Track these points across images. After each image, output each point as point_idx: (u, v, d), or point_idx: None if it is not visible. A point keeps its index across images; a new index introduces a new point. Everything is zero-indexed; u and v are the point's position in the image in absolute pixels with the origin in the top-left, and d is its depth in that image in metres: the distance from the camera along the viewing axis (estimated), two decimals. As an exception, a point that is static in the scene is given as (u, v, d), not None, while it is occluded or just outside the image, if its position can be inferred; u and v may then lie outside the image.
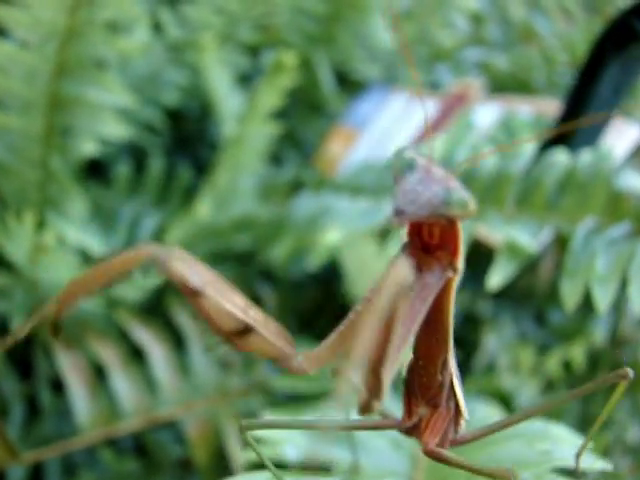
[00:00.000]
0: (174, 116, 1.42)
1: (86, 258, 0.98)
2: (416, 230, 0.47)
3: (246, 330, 0.46)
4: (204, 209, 0.92)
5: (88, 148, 0.91)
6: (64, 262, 0.86)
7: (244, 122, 0.92)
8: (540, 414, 0.62)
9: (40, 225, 0.84)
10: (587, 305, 1.46)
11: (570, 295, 0.67)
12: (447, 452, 0.54)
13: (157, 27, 1.38)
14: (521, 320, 1.32)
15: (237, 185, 1.03)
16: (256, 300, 1.37)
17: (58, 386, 1.07)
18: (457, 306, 1.30)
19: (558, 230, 0.70)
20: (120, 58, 1.11)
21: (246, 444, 0.53)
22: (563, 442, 0.60)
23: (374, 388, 0.46)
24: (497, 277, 0.70)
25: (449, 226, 0.46)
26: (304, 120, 1.47)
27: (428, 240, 0.47)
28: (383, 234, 0.86)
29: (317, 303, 1.32)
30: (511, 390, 1.16)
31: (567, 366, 1.16)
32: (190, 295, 0.44)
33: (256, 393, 1.01)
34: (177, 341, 1.07)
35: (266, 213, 1.04)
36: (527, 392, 1.16)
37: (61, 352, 0.96)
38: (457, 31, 1.63)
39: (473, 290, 1.24)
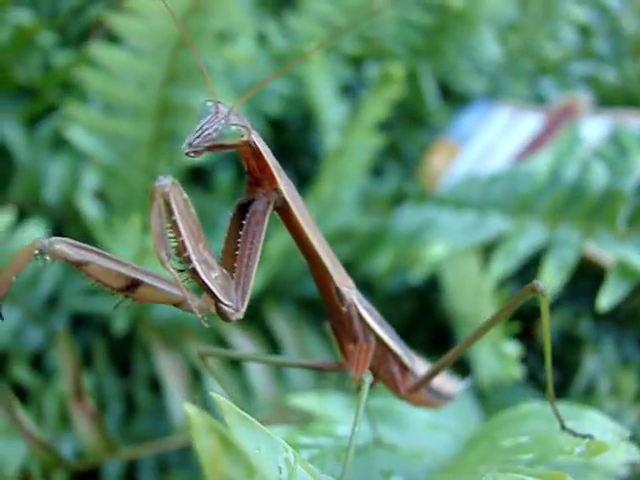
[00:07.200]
0: (276, 126, 1.43)
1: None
2: (247, 168, 0.57)
3: (135, 284, 0.52)
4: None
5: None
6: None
7: (348, 133, 0.91)
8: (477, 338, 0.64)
9: (146, 228, 0.86)
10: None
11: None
12: (368, 376, 0.60)
13: (262, 38, 1.40)
14: (624, 343, 1.27)
15: (339, 196, 1.03)
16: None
17: (155, 385, 1.09)
18: (556, 325, 1.25)
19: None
20: (226, 67, 1.13)
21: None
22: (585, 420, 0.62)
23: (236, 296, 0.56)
24: (607, 298, 0.68)
25: (255, 157, 0.57)
26: (407, 133, 1.46)
27: (254, 174, 0.57)
28: (487, 249, 0.84)
29: (414, 316, 1.31)
30: (611, 416, 1.12)
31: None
32: (76, 266, 0.50)
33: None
34: (273, 346, 1.08)
35: (367, 224, 1.03)
36: (629, 419, 1.12)
37: (160, 353, 0.97)
38: (564, 43, 1.59)
39: (575, 310, 1.20)
